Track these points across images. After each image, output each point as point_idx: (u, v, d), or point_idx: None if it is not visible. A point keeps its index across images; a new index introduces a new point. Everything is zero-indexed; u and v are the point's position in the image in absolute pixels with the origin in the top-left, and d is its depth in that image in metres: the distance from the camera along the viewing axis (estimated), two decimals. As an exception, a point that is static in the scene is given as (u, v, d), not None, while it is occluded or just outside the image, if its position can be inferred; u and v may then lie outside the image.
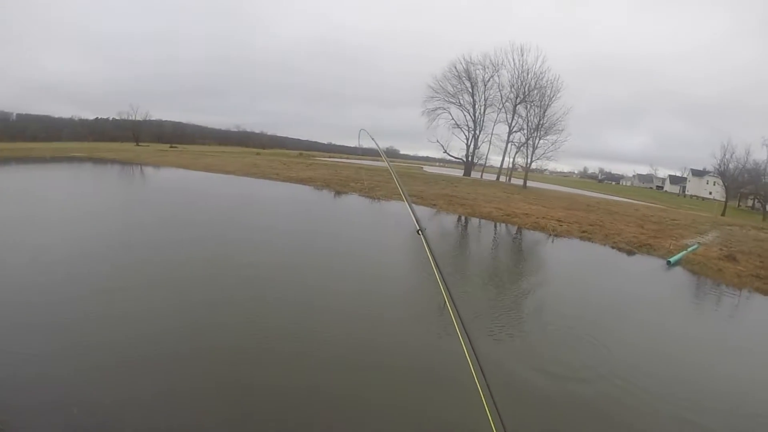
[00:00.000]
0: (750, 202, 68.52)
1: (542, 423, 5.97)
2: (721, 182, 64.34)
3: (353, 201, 27.50)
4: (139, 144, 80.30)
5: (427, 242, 3.09)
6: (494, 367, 7.26)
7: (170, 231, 15.34)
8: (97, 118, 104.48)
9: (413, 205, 3.64)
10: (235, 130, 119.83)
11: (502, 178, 59.96)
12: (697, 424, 6.38)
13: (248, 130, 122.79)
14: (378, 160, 63.28)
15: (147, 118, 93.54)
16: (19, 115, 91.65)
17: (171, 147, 75.83)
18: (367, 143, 5.13)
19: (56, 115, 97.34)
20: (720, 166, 60.17)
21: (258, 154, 67.89)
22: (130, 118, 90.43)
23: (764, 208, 56.80)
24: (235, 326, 8.05)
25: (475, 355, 2.30)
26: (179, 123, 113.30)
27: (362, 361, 7.17)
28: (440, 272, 2.78)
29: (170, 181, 31.50)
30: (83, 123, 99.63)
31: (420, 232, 3.24)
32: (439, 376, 6.76)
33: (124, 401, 5.51)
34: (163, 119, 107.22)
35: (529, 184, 52.35)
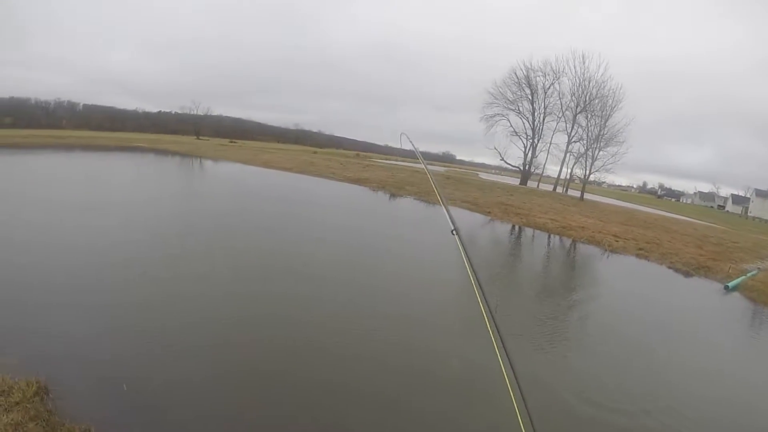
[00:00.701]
0: (818, 227, 65.85)
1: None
2: (787, 204, 62.16)
3: (407, 204, 27.81)
4: (200, 138, 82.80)
5: (461, 243, 3.07)
6: (531, 382, 7.40)
7: (238, 222, 16.09)
8: (160, 111, 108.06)
9: (449, 207, 3.74)
10: (293, 128, 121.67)
11: (559, 189, 58.79)
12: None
13: (306, 128, 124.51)
14: (435, 165, 63.55)
15: (208, 113, 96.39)
16: (85, 106, 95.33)
17: (231, 142, 78.32)
18: (409, 146, 5.33)
19: (121, 107, 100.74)
20: (788, 187, 58.19)
21: (315, 152, 69.08)
22: (192, 112, 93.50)
23: (833, 235, 54.63)
24: (285, 318, 8.56)
25: (511, 367, 2.30)
26: (239, 119, 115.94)
27: (403, 365, 7.34)
28: (475, 274, 2.78)
29: (237, 177, 32.62)
30: (147, 115, 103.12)
31: (454, 232, 3.25)
32: (473, 387, 6.87)
33: (171, 382, 6.01)
34: (224, 115, 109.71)
35: (586, 196, 51.05)
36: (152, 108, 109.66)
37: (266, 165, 37.72)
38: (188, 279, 10.06)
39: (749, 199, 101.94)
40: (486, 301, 2.62)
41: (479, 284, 2.72)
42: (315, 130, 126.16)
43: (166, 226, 14.66)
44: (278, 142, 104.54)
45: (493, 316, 2.55)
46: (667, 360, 9.53)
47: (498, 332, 2.47)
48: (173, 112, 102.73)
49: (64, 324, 7.08)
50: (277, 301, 9.41)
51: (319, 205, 23.15)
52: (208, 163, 36.19)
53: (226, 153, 44.66)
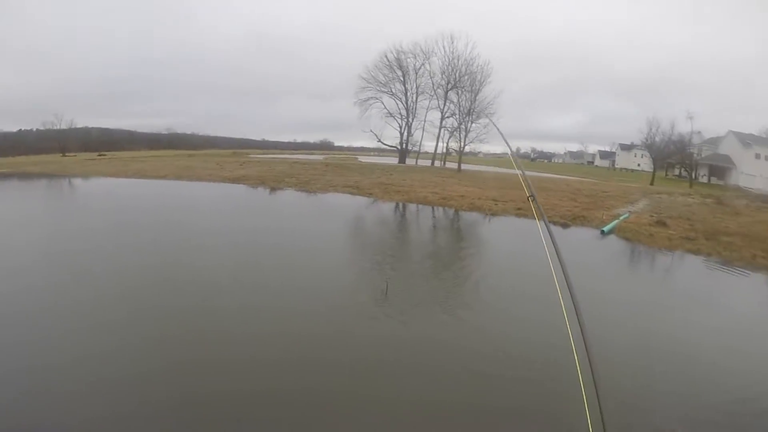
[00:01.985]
0: (677, 171, 71.02)
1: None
2: (648, 154, 66.78)
3: (290, 196, 26.78)
4: (66, 154, 76.06)
5: (538, 208, 3.25)
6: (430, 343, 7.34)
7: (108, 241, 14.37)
8: (20, 129, 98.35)
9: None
10: (166, 132, 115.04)
11: (437, 163, 59.98)
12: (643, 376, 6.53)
13: (179, 132, 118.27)
14: (313, 153, 62.87)
15: (72, 126, 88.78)
16: None
17: (99, 155, 71.97)
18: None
19: None
20: (647, 140, 62.53)
21: (191, 156, 65.44)
22: (55, 127, 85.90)
23: (690, 176, 59.14)
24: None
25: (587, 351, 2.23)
26: (107, 129, 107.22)
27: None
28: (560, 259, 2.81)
29: (98, 192, 29.78)
30: (5, 136, 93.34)
31: (531, 198, 3.47)
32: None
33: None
34: (90, 126, 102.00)
35: (464, 167, 52.44)
36: (11, 127, 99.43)
37: (139, 175, 34.87)
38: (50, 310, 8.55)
39: (615, 153, 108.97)
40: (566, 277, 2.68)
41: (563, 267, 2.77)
42: (189, 132, 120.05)
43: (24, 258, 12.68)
44: (151, 149, 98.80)
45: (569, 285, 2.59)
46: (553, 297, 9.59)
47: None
48: (35, 130, 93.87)
49: None
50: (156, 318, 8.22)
51: (197, 209, 21.41)
52: (77, 182, 33.03)
53: (96, 168, 40.94)
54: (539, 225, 3.45)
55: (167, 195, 25.81)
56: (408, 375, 6.55)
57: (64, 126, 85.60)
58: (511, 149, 5.03)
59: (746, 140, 62.54)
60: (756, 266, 14.01)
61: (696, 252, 15.34)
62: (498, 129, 4.93)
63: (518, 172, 4.05)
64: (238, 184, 31.00)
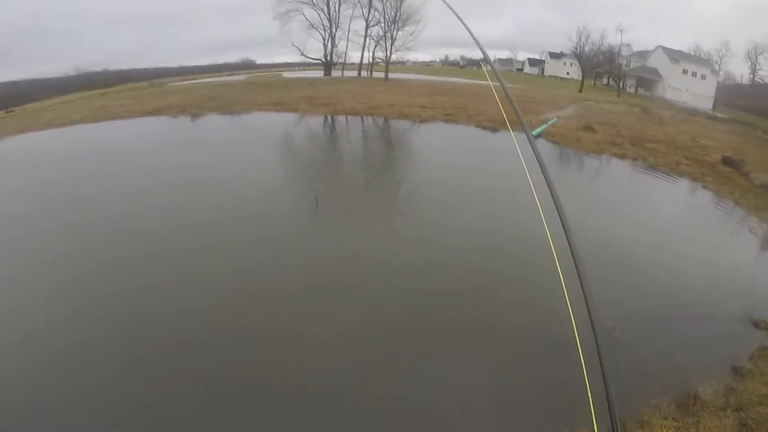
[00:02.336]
0: (605, 80, 72.24)
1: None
2: (577, 63, 67.44)
3: (212, 122, 25.16)
4: None
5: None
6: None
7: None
8: None
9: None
10: (75, 74, 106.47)
11: (364, 74, 58.27)
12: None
13: (89, 71, 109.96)
14: (235, 75, 59.91)
15: None
16: None
17: (7, 112, 66.17)
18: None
19: None
20: (576, 49, 62.99)
21: (104, 94, 61.09)
22: None
23: (618, 85, 60.24)
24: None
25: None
26: (12, 82, 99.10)
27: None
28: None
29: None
30: None
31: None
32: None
33: None
34: None
35: (391, 75, 51.47)
36: None
37: (50, 125, 31.70)
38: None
39: (544, 61, 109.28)
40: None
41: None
42: (100, 69, 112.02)
43: None
44: (63, 94, 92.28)
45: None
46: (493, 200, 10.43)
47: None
48: None
49: None
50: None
51: (112, 153, 19.13)
52: None
53: (3, 126, 37.71)
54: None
55: (80, 143, 23.31)
56: (347, 290, 6.63)
57: None
58: (488, 58, 4.51)
59: (674, 56, 63.85)
60: (680, 172, 14.24)
61: (622, 156, 15.47)
62: (474, 38, 4.28)
63: (496, 84, 3.66)
64: (158, 116, 28.97)
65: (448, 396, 5.05)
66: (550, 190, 2.38)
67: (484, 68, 4.57)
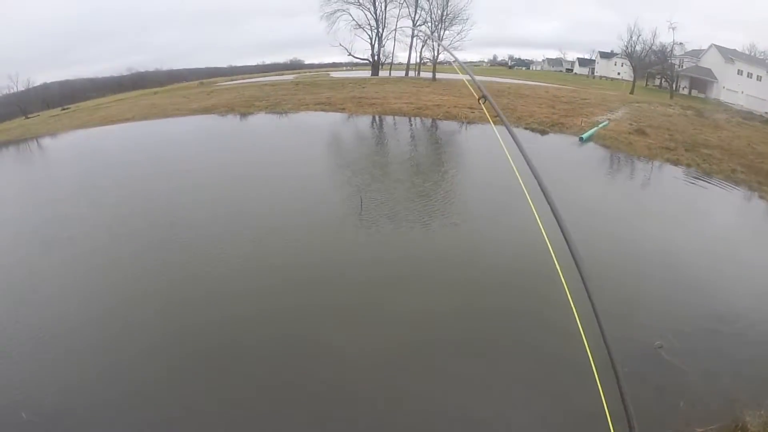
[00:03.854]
0: (657, 82, 70.03)
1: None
2: (628, 63, 65.61)
3: (261, 120, 25.60)
4: (28, 116, 72.70)
5: (494, 107, 2.92)
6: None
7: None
8: None
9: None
10: (128, 73, 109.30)
11: (411, 74, 57.79)
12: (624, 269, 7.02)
13: (141, 70, 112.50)
14: (283, 74, 60.43)
15: (30, 86, 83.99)
16: None
17: (63, 110, 68.85)
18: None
19: None
20: (627, 48, 60.99)
21: (155, 93, 62.66)
22: (12, 90, 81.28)
23: (671, 87, 58.37)
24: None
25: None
26: (66, 81, 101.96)
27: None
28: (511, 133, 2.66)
29: (70, 147, 27.69)
30: None
31: (482, 101, 3.10)
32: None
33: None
34: (49, 81, 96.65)
35: (439, 76, 51.26)
36: None
37: (105, 122, 32.82)
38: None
39: (594, 60, 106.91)
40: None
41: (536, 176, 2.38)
42: (152, 69, 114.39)
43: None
44: (115, 93, 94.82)
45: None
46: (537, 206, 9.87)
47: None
48: None
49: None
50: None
51: (163, 149, 19.61)
52: (46, 141, 31.04)
53: (61, 123, 38.85)
54: (495, 129, 3.18)
55: (133, 140, 23.71)
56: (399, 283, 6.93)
57: (21, 87, 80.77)
58: (455, 57, 5.15)
59: (729, 55, 61.47)
60: (736, 180, 13.72)
61: (675, 162, 15.05)
62: (443, 45, 4.38)
63: (466, 77, 3.81)
64: (207, 114, 29.57)
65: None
66: (547, 200, 2.29)
67: (455, 66, 4.79)
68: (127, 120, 31.85)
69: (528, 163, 2.56)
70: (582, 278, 1.96)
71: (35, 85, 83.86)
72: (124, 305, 6.84)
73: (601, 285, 6.14)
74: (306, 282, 7.09)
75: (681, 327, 5.93)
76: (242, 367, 5.48)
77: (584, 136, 17.56)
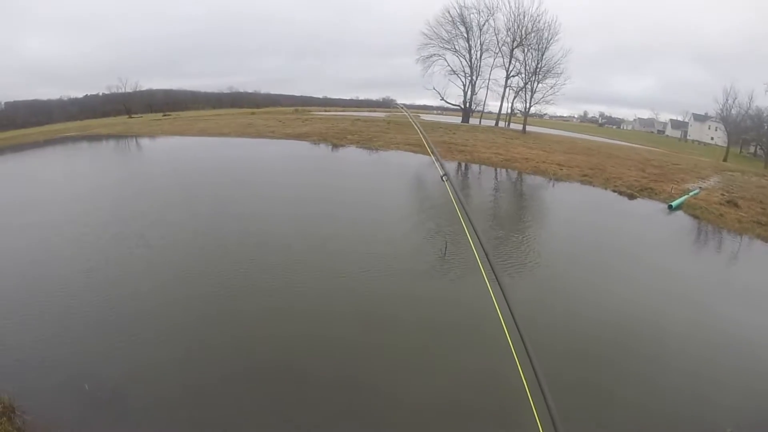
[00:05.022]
0: (752, 149, 67.00)
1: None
2: (723, 127, 63.39)
3: (352, 153, 26.84)
4: (132, 116, 77.86)
5: (453, 188, 3.04)
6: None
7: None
8: (86, 95, 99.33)
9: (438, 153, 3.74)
10: (228, 91, 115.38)
11: (501, 124, 58.20)
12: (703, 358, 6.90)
13: (241, 90, 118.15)
14: (373, 111, 61.86)
15: (137, 89, 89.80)
16: (7, 104, 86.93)
17: (164, 115, 73.34)
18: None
19: (45, 98, 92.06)
20: (722, 111, 58.78)
21: (253, 113, 65.79)
22: (120, 91, 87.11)
23: (766, 155, 55.95)
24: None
25: (507, 304, 2.09)
26: (170, 90, 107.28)
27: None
28: (469, 218, 2.75)
29: (170, 151, 29.64)
30: (73, 102, 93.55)
31: (444, 178, 3.21)
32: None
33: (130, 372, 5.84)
34: (154, 88, 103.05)
35: (529, 128, 51.21)
36: (78, 93, 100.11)
37: (203, 133, 35.34)
38: (137, 268, 9.19)
39: (687, 123, 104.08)
40: (482, 246, 2.59)
41: (474, 228, 2.71)
42: (251, 90, 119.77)
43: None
44: (213, 108, 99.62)
45: (485, 250, 2.55)
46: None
47: (494, 274, 2.35)
48: (100, 94, 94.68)
49: (10, 335, 6.61)
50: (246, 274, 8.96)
51: (259, 172, 21.05)
52: (144, 141, 33.52)
53: (161, 127, 41.59)
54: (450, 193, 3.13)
55: (231, 155, 25.59)
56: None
57: (129, 89, 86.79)
58: (405, 109, 5.13)
59: (830, 120, 58.62)
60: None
61: (767, 239, 14.76)
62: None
63: (420, 132, 4.40)
64: (301, 141, 31.02)
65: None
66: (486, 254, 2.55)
67: (403, 110, 4.84)
68: (224, 135, 34.07)
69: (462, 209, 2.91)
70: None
71: (141, 89, 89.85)
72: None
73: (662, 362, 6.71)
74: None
75: (759, 418, 5.86)
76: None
77: (674, 204, 17.55)
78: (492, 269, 2.36)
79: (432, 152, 3.80)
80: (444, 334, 7.04)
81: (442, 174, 3.24)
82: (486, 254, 2.50)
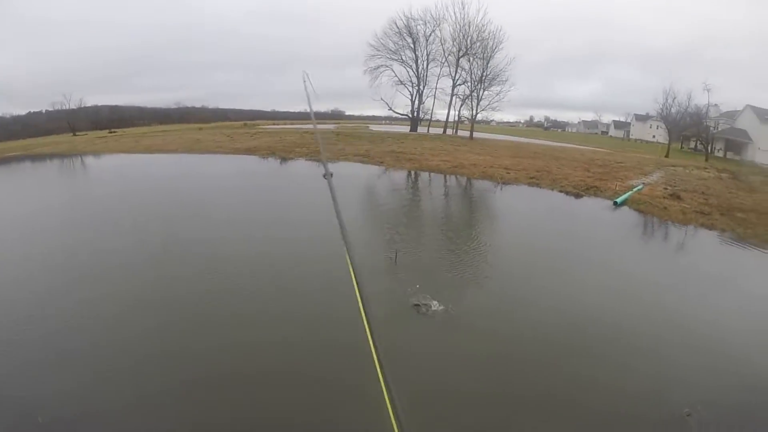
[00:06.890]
0: (692, 144, 69.49)
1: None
2: (663, 125, 65.36)
3: (300, 166, 26.48)
4: (76, 134, 75.43)
5: (331, 187, 3.21)
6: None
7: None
8: (29, 112, 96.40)
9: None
10: (175, 107, 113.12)
11: (449, 131, 59.18)
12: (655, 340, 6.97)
13: (189, 105, 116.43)
14: (324, 123, 62.03)
15: (81, 106, 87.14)
16: None
17: (110, 132, 71.29)
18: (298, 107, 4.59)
19: None
20: (663, 111, 60.79)
21: (200, 129, 64.56)
22: (64, 107, 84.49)
23: (706, 150, 57.82)
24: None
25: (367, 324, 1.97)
26: (116, 106, 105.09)
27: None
28: (341, 221, 2.75)
29: (115, 169, 28.81)
30: (16, 119, 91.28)
31: (326, 176, 3.47)
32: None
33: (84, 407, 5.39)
34: (100, 104, 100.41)
35: (476, 135, 52.08)
36: (20, 110, 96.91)
37: (149, 150, 34.37)
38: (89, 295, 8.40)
39: (630, 123, 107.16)
40: (347, 242, 2.46)
41: (344, 232, 2.61)
42: (199, 105, 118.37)
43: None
44: (161, 123, 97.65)
45: (352, 261, 2.33)
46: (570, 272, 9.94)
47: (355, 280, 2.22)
48: (44, 111, 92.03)
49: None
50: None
51: (207, 187, 20.59)
52: (89, 160, 32.56)
53: (107, 145, 40.28)
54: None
55: (178, 172, 24.75)
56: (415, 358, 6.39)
57: (73, 105, 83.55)
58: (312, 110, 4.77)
59: (764, 115, 60.74)
60: (772, 243, 13.75)
61: (710, 227, 15.21)
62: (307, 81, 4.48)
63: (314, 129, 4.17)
64: (249, 155, 30.64)
65: None
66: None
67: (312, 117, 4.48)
68: (171, 151, 33.35)
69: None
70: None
71: (86, 105, 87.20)
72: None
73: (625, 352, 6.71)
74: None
75: (712, 398, 5.78)
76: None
77: (618, 200, 17.90)
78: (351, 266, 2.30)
79: (322, 153, 4.13)
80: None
81: (324, 173, 3.54)
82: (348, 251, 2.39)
